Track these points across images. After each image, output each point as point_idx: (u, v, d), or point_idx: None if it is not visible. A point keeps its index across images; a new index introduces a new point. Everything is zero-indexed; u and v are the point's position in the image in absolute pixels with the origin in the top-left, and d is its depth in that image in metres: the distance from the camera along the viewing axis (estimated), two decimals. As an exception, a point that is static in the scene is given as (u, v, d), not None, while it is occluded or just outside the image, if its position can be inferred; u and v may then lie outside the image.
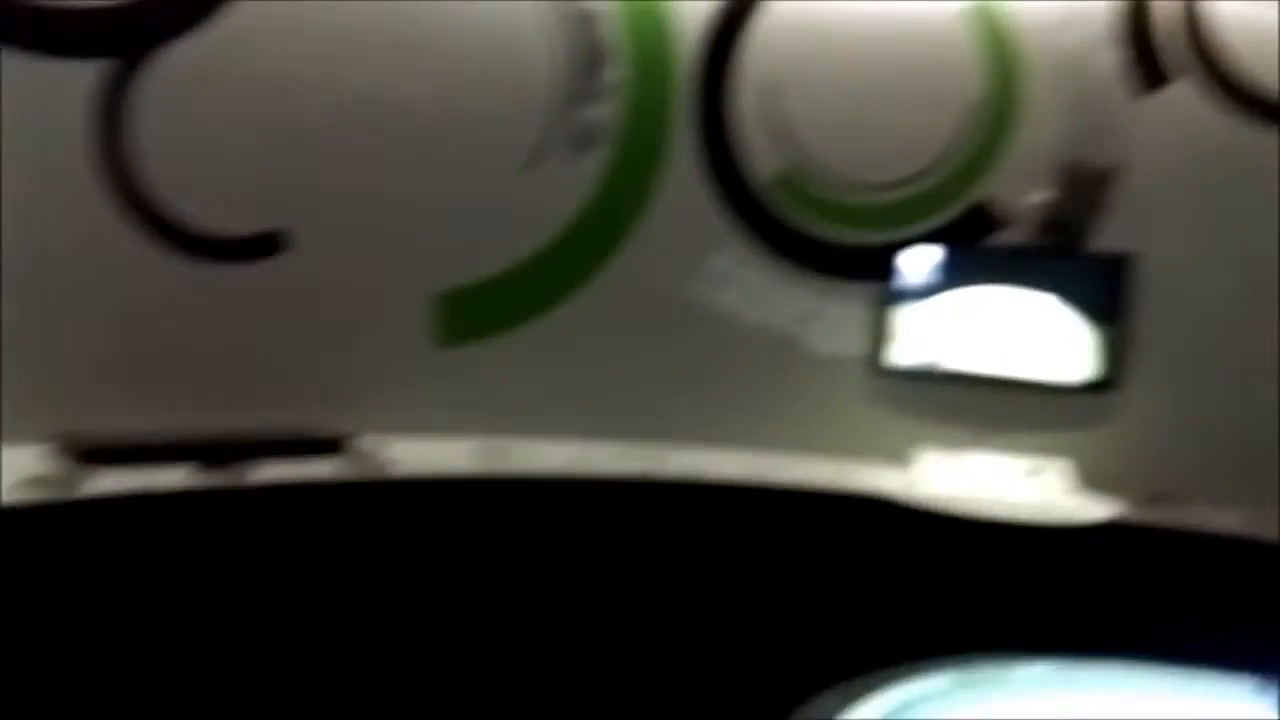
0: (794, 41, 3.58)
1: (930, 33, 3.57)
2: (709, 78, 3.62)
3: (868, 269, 3.67)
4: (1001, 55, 3.56)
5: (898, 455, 3.64)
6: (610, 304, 3.60)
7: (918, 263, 3.64)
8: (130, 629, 2.65)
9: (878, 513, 3.31)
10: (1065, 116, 3.54)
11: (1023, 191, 3.61)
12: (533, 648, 3.03)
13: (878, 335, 3.68)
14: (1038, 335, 3.59)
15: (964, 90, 3.59)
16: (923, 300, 3.64)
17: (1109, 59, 3.49)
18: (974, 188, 3.64)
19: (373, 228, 3.29)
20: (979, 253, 3.66)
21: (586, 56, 3.51)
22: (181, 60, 2.96)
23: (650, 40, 3.56)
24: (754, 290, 3.70)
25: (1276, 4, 3.32)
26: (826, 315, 3.71)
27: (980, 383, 3.63)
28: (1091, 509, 3.33)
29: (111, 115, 2.92)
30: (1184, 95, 3.44)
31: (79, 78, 2.87)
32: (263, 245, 3.15)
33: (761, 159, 3.66)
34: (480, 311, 3.51)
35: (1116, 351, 3.54)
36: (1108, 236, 3.56)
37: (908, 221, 3.68)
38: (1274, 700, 2.17)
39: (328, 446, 3.10)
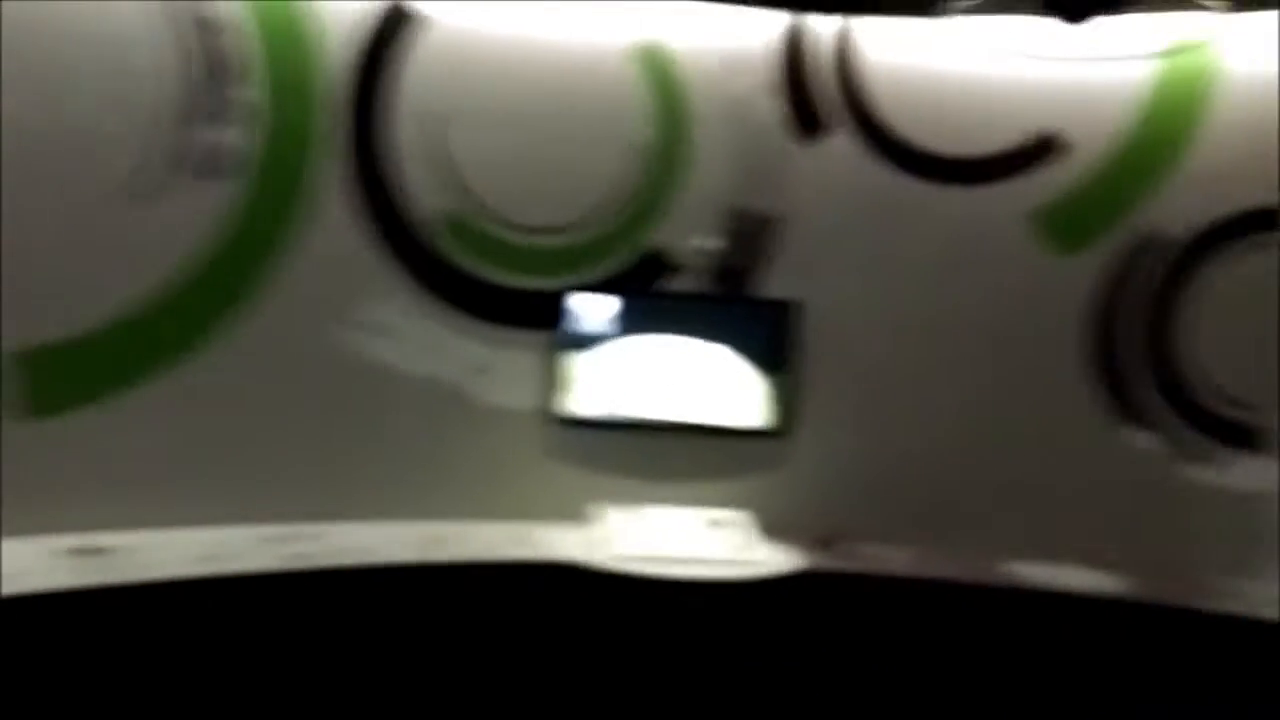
0: (457, 70, 3.34)
1: (599, 70, 3.43)
2: (360, 104, 3.25)
3: (540, 316, 3.49)
4: (669, 98, 3.48)
5: (579, 511, 3.48)
6: (245, 360, 3.19)
7: (591, 310, 3.49)
8: None
9: (564, 580, 3.11)
10: (732, 163, 3.52)
11: (692, 237, 3.53)
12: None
13: (552, 386, 3.48)
14: (711, 382, 3.55)
15: (633, 132, 3.47)
16: (597, 348, 3.50)
17: (771, 107, 3.50)
18: (644, 233, 3.53)
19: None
20: (651, 299, 3.56)
21: (208, 70, 3.04)
22: None
23: (290, 57, 3.17)
24: (418, 341, 3.41)
25: (924, 58, 3.48)
26: (498, 366, 3.48)
27: (657, 431, 3.54)
28: (775, 559, 3.28)
29: None
30: (841, 146, 3.52)
31: None
32: None
33: (424, 197, 3.36)
34: (74, 374, 2.97)
35: (786, 398, 3.54)
36: (774, 284, 3.56)
37: (580, 266, 3.52)
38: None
39: None
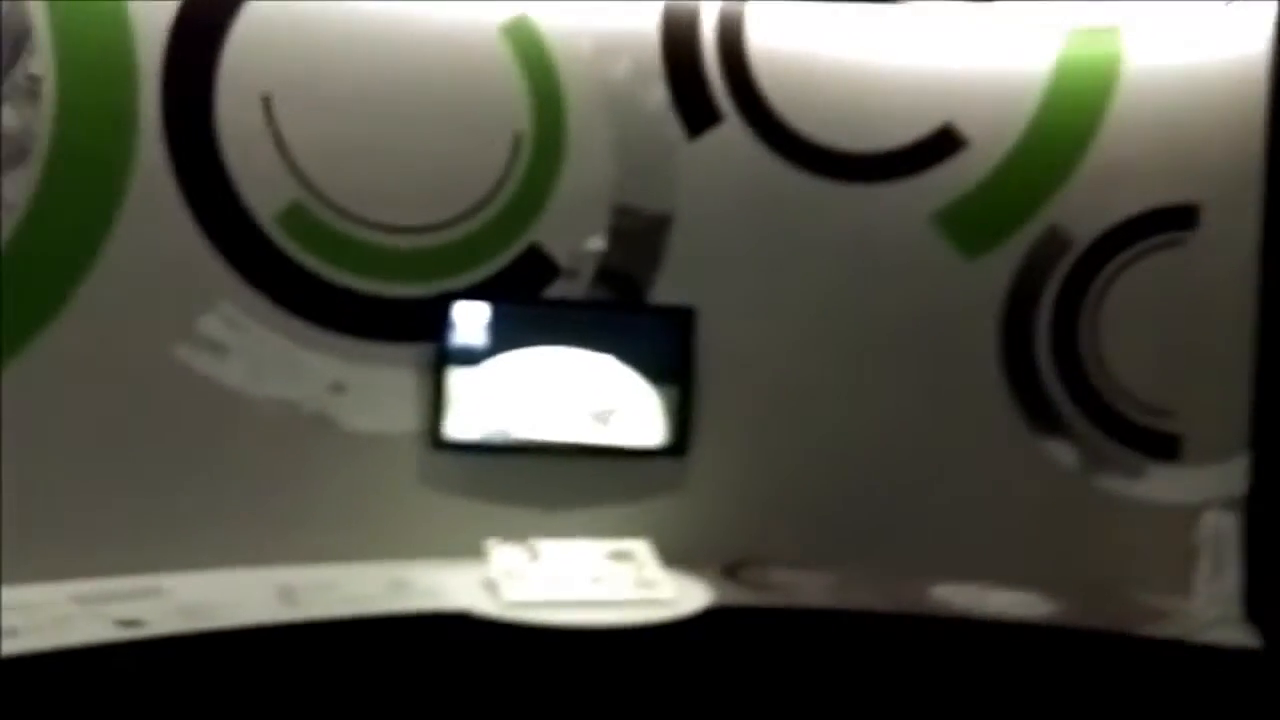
0: (294, 41, 2.91)
1: (467, 48, 3.04)
2: (181, 81, 2.79)
3: (412, 327, 3.08)
4: (543, 82, 3.13)
5: (462, 546, 3.07)
6: (51, 382, 2.69)
7: (470, 319, 3.10)
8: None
9: (451, 632, 2.70)
10: (613, 156, 3.19)
11: (575, 238, 3.18)
12: None
13: (426, 405, 3.09)
14: (602, 398, 3.22)
15: (506, 120, 3.09)
16: (478, 363, 3.12)
17: (655, 96, 3.20)
18: (523, 233, 3.15)
19: None
20: (533, 307, 3.20)
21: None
22: None
23: (93, 26, 2.69)
24: (264, 357, 2.94)
25: (808, 45, 3.25)
26: (361, 385, 3.05)
27: (545, 453, 3.20)
28: (683, 593, 2.95)
29: None
30: (732, 139, 3.25)
31: None
32: None
33: (263, 189, 2.90)
34: None
35: (684, 414, 3.24)
36: (664, 289, 3.25)
37: (455, 270, 3.13)
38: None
39: None
